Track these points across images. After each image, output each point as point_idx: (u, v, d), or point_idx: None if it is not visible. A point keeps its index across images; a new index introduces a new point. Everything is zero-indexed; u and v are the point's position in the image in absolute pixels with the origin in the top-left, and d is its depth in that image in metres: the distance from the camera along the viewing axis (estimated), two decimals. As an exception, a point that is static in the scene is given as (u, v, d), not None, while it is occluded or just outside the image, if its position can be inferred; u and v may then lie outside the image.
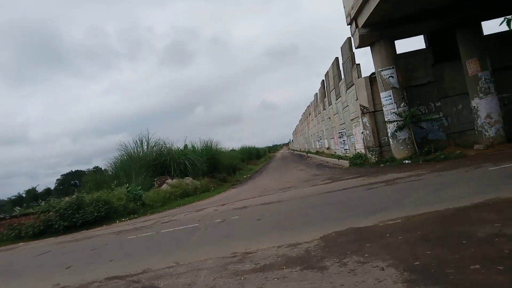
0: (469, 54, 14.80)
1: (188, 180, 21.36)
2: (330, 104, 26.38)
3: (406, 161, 14.36)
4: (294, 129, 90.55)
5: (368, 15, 13.66)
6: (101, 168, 28.19)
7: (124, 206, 14.94)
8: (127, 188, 15.91)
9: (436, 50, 16.31)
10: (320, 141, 36.53)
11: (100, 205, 14.18)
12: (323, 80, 28.54)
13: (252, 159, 53.52)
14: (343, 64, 19.64)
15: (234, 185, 21.81)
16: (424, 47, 16.69)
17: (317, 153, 36.91)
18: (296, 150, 75.87)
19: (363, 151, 17.41)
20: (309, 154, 41.04)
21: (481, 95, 14.66)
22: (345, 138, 22.31)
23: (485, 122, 14.71)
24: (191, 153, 24.80)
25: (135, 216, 14.45)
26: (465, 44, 14.92)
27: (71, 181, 74.69)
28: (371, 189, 9.81)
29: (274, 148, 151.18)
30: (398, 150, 15.31)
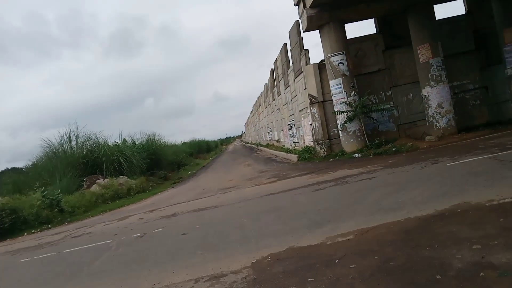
0: (420, 40, 13.98)
1: (122, 179, 19.09)
2: (279, 94, 25.10)
3: (357, 155, 13.32)
4: (246, 121, 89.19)
5: (316, -7, 12.31)
6: (21, 168, 24.80)
7: (37, 214, 12.58)
8: (42, 192, 13.48)
9: (387, 36, 15.40)
10: (270, 133, 35.37)
11: (4, 215, 11.77)
12: (272, 69, 27.18)
13: (201, 153, 51.37)
14: (291, 50, 18.31)
15: (175, 183, 19.88)
16: (375, 32, 15.73)
17: (267, 146, 35.74)
18: (248, 143, 74.68)
19: (312, 144, 16.24)
20: (259, 147, 39.82)
21: (432, 83, 13.93)
22: (294, 130, 21.13)
23: (436, 112, 14.02)
24: (127, 149, 22.41)
25: (49, 226, 12.19)
26: (417, 29, 14.08)
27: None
28: (319, 190, 8.49)
29: (227, 141, 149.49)
30: (348, 143, 14.25)
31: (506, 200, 5.13)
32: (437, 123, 14.06)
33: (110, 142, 23.06)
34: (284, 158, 19.62)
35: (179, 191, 15.53)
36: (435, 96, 13.96)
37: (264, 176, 13.57)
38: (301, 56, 16.02)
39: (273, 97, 28.89)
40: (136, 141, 27.04)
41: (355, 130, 14.08)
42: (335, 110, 14.37)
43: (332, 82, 14.27)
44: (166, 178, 23.68)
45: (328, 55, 14.13)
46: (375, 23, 15.64)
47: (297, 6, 14.49)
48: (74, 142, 21.52)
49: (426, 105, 14.33)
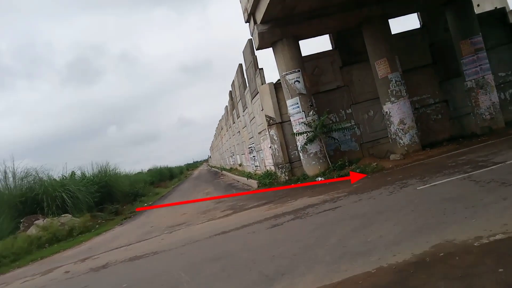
0: (377, 54, 13.40)
1: (65, 218, 17.00)
2: (238, 116, 24.03)
3: (319, 178, 12.27)
4: (210, 145, 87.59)
5: (266, 7, 11.42)
6: None
7: None
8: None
9: (344, 52, 14.77)
10: (233, 157, 34.11)
11: None
12: (230, 91, 26.17)
13: (164, 181, 49.11)
14: (246, 70, 17.34)
15: (125, 219, 18.01)
16: (331, 48, 15.07)
17: (231, 170, 34.36)
18: (214, 167, 72.88)
19: (273, 168, 15.09)
20: (223, 171, 38.39)
21: (392, 99, 13.29)
22: (255, 153, 19.98)
23: (398, 128, 13.34)
24: (73, 183, 20.30)
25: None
26: (373, 43, 13.52)
27: None
28: (276, 227, 7.23)
29: (194, 166, 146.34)
30: (309, 165, 13.21)
31: (497, 237, 4.09)
32: (400, 140, 13.35)
33: (57, 176, 20.93)
34: (245, 183, 18.33)
35: (125, 229, 13.77)
36: (396, 112, 13.30)
37: (220, 208, 12.19)
38: (256, 75, 15.05)
39: (233, 119, 27.80)
40: (86, 173, 24.94)
41: (316, 151, 13.09)
42: (294, 131, 13.36)
43: (289, 102, 13.30)
44: (118, 212, 21.61)
45: (283, 73, 13.21)
46: (330, 39, 15.01)
47: (248, 23, 13.58)
48: (11, 180, 19.26)
49: (388, 122, 13.64)
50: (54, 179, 20.79)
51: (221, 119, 41.19)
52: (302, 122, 13.06)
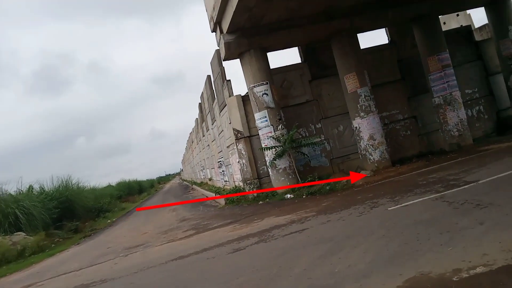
0: (346, 68, 13.19)
1: (18, 237, 15.64)
2: (207, 129, 23.35)
3: (289, 196, 11.74)
4: (182, 158, 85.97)
5: (232, 15, 10.96)
6: None
7: None
8: None
9: (313, 65, 14.50)
10: (203, 171, 33.23)
11: None
12: (200, 103, 25.47)
13: (132, 195, 47.31)
14: (214, 82, 16.79)
15: (85, 237, 16.80)
16: (300, 61, 14.77)
17: (201, 184, 33.44)
18: (186, 181, 71.29)
19: (241, 183, 14.46)
20: (193, 186, 37.35)
21: (362, 114, 13.06)
22: (224, 168, 19.31)
23: (368, 144, 13.08)
24: (28, 198, 18.85)
25: None
26: (342, 57, 13.31)
27: None
28: (238, 252, 6.58)
29: (166, 179, 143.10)
30: (278, 181, 12.68)
31: (478, 270, 3.63)
32: (370, 156, 13.08)
33: (13, 190, 19.45)
34: (213, 199, 17.57)
35: (81, 250, 12.67)
36: (366, 128, 13.06)
37: (183, 227, 11.39)
38: (224, 87, 14.51)
39: (202, 132, 27.08)
40: (46, 188, 23.43)
41: (285, 167, 12.59)
42: (262, 145, 12.84)
43: (257, 115, 12.80)
44: (78, 230, 20.26)
45: (251, 86, 12.73)
46: (299, 51, 14.72)
47: (214, 33, 13.07)
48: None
49: (358, 137, 13.38)
50: (10, 194, 19.35)
51: (191, 132, 40.30)
52: (270, 137, 12.56)
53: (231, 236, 7.99)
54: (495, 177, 7.24)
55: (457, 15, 18.03)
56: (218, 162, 20.94)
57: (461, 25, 16.95)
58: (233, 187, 15.54)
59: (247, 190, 13.59)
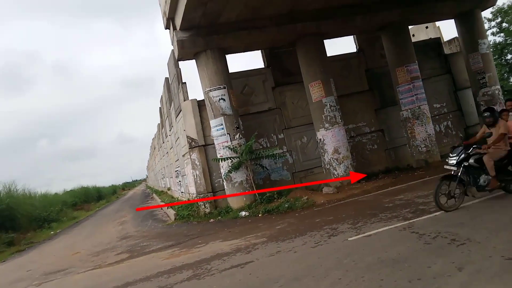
0: (312, 76, 12.23)
1: None
2: (166, 136, 21.83)
3: (244, 213, 10.53)
4: (147, 164, 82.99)
5: (184, 10, 9.72)
6: None
7: None
8: None
9: (277, 71, 13.46)
10: (163, 179, 31.49)
11: None
12: (160, 108, 23.89)
13: (89, 202, 44.56)
14: (171, 84, 15.42)
15: (18, 251, 14.95)
16: (263, 66, 13.70)
17: (161, 193, 31.64)
18: (150, 188, 68.55)
19: (195, 196, 13.10)
20: (153, 195, 35.42)
21: (327, 125, 12.10)
22: (180, 178, 17.85)
23: (333, 158, 12.11)
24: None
25: None
26: (307, 64, 12.35)
27: None
28: (162, 292, 5.26)
29: (132, 185, 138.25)
30: (234, 196, 11.43)
31: None
32: (334, 171, 12.11)
33: None
34: (166, 212, 16.07)
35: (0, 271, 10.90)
36: (330, 140, 12.09)
37: (119, 248, 9.90)
38: (179, 90, 13.18)
39: (162, 139, 25.47)
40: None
41: (242, 180, 11.37)
42: (218, 156, 11.59)
43: (212, 122, 11.56)
44: (14, 242, 18.17)
45: (207, 89, 11.49)
46: (262, 56, 13.66)
47: (168, 30, 11.77)
48: None
49: (322, 150, 12.39)
50: None
51: (153, 138, 38.40)
52: (226, 146, 11.33)
53: (165, 265, 6.65)
54: (470, 203, 6.32)
55: (427, 27, 17.60)
56: (176, 171, 19.48)
57: (430, 38, 16.47)
58: (188, 200, 14.12)
59: (199, 205, 12.26)
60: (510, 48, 25.40)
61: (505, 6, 25.25)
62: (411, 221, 5.98)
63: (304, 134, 13.37)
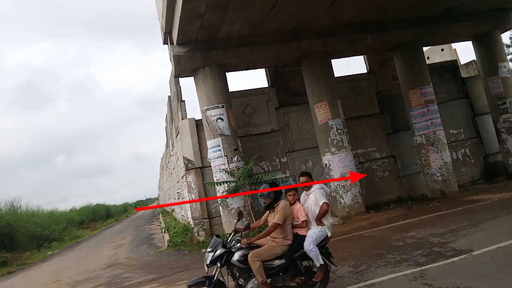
0: (317, 97, 11.46)
1: None
2: (170, 156, 21.20)
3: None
4: (158, 183, 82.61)
5: (179, 23, 9.16)
6: None
7: None
8: None
9: (281, 91, 12.75)
10: (169, 200, 30.73)
11: None
12: (166, 127, 23.38)
13: (97, 220, 44.07)
14: (172, 102, 14.86)
15: (8, 273, 14.34)
16: (267, 85, 13.01)
17: (167, 214, 30.86)
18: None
19: (192, 222, 12.25)
20: (160, 215, 34.62)
21: (333, 149, 11.21)
22: (181, 200, 17.04)
23: (339, 185, 11.16)
24: None
25: None
26: (313, 84, 11.61)
27: None
28: None
29: (145, 203, 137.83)
30: (230, 224, 10.50)
31: None
32: (341, 199, 11.13)
33: None
34: (163, 236, 15.21)
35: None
36: (337, 166, 11.17)
37: (100, 278, 9.03)
38: (178, 109, 12.57)
39: (167, 159, 24.87)
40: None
41: (239, 207, 10.46)
42: (214, 179, 10.77)
43: (209, 143, 10.80)
44: (7, 262, 17.55)
45: (204, 108, 10.80)
46: (266, 75, 13.00)
47: (166, 45, 11.23)
48: None
49: (327, 176, 11.45)
50: None
51: (162, 157, 37.96)
52: (223, 169, 10.52)
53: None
54: (494, 247, 5.29)
55: (442, 49, 16.79)
56: (177, 193, 18.70)
57: (446, 60, 15.61)
58: (183, 225, 13.25)
59: (195, 232, 11.37)
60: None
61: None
62: (423, 267, 4.99)
63: (309, 158, 12.48)
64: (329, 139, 11.31)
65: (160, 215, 35.11)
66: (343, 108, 11.72)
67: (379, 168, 12.98)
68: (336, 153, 11.22)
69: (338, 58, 12.68)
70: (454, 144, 13.66)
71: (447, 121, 13.42)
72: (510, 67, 13.69)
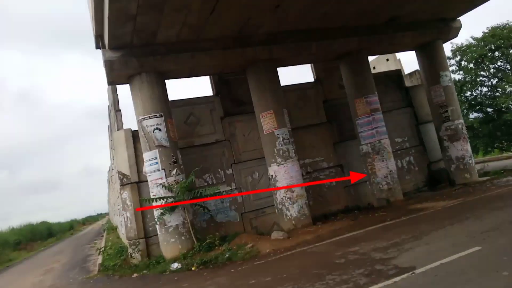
0: (263, 105, 11.03)
1: None
2: (112, 169, 19.83)
3: (176, 265, 8.74)
4: (107, 198, 78.72)
5: (109, 25, 8.35)
6: None
7: None
8: None
9: (227, 100, 12.18)
10: (115, 217, 28.95)
11: None
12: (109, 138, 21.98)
13: (36, 240, 40.64)
14: (109, 113, 13.78)
15: None
16: (212, 94, 12.38)
17: (110, 232, 29.02)
18: (108, 223, 64.30)
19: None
20: (104, 232, 32.58)
21: (279, 159, 10.77)
22: (121, 218, 15.80)
23: (285, 197, 10.71)
24: None
25: None
26: (258, 92, 11.18)
27: None
28: None
29: (95, 219, 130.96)
30: (167, 244, 9.68)
31: None
32: (287, 212, 10.68)
33: None
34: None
35: None
36: (283, 176, 10.73)
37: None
38: (115, 119, 11.59)
39: (111, 172, 23.36)
40: None
41: (177, 224, 9.66)
42: (151, 195, 9.90)
43: (146, 155, 9.95)
44: None
45: (140, 118, 9.97)
46: (211, 83, 12.40)
47: (99, 50, 10.30)
48: None
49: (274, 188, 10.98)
50: None
51: (108, 170, 35.95)
52: (160, 184, 9.69)
53: None
54: (438, 263, 4.97)
55: (387, 59, 17.12)
56: (118, 209, 17.41)
57: (391, 69, 15.87)
58: (119, 246, 12.14)
59: (130, 253, 10.37)
60: (469, 86, 25.70)
61: (464, 45, 25.81)
62: (363, 290, 4.54)
63: (256, 169, 11.95)
64: (275, 149, 10.87)
65: (105, 231, 33.06)
66: (290, 118, 11.39)
67: (326, 178, 12.72)
68: (282, 164, 10.78)
69: (284, 66, 12.38)
70: (399, 152, 13.76)
71: (392, 129, 13.50)
72: (452, 77, 14.10)
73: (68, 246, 29.19)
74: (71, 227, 73.20)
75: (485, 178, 12.99)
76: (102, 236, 31.08)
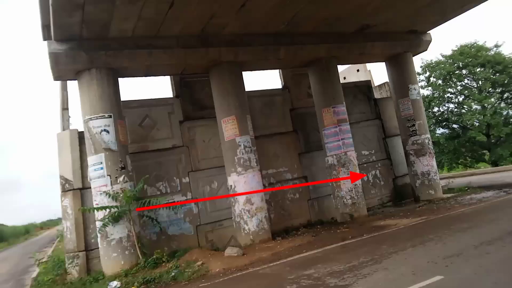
0: (225, 110, 10.35)
1: None
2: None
3: (114, 284, 7.81)
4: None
5: (53, 13, 7.48)
6: None
7: None
8: None
9: (187, 103, 11.41)
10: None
11: None
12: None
13: (-14, 244, 37.98)
14: (61, 111, 12.67)
15: None
16: (171, 96, 11.58)
17: (61, 239, 27.17)
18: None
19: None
20: (58, 239, 30.63)
21: (239, 169, 10.09)
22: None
23: (244, 209, 10.02)
24: None
25: None
26: (221, 95, 10.50)
27: None
28: None
29: (55, 223, 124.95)
30: (109, 259, 8.74)
31: None
32: (245, 225, 9.97)
33: None
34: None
35: None
36: (242, 187, 10.04)
37: None
38: (61, 119, 10.57)
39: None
40: None
41: (121, 237, 8.74)
42: (94, 204, 8.95)
43: (90, 159, 9.01)
44: None
45: (87, 117, 9.04)
46: (171, 84, 11.59)
47: (46, 42, 9.30)
48: None
49: (232, 199, 10.27)
50: None
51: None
52: (104, 192, 8.76)
53: None
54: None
55: (358, 70, 16.90)
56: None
57: (360, 80, 15.60)
58: (57, 259, 10.96)
59: (67, 267, 9.32)
60: (437, 101, 26.09)
61: (433, 62, 26.25)
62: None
63: (215, 178, 11.20)
64: (235, 157, 10.18)
65: (58, 238, 31.12)
66: (254, 125, 10.78)
67: (290, 190, 12.14)
68: (242, 174, 10.09)
69: (250, 70, 11.77)
70: (365, 165, 13.39)
71: (359, 141, 13.16)
72: (420, 92, 13.92)
73: (16, 253, 27.16)
74: (27, 231, 69.11)
75: (449, 195, 12.78)
76: (53, 243, 29.25)
